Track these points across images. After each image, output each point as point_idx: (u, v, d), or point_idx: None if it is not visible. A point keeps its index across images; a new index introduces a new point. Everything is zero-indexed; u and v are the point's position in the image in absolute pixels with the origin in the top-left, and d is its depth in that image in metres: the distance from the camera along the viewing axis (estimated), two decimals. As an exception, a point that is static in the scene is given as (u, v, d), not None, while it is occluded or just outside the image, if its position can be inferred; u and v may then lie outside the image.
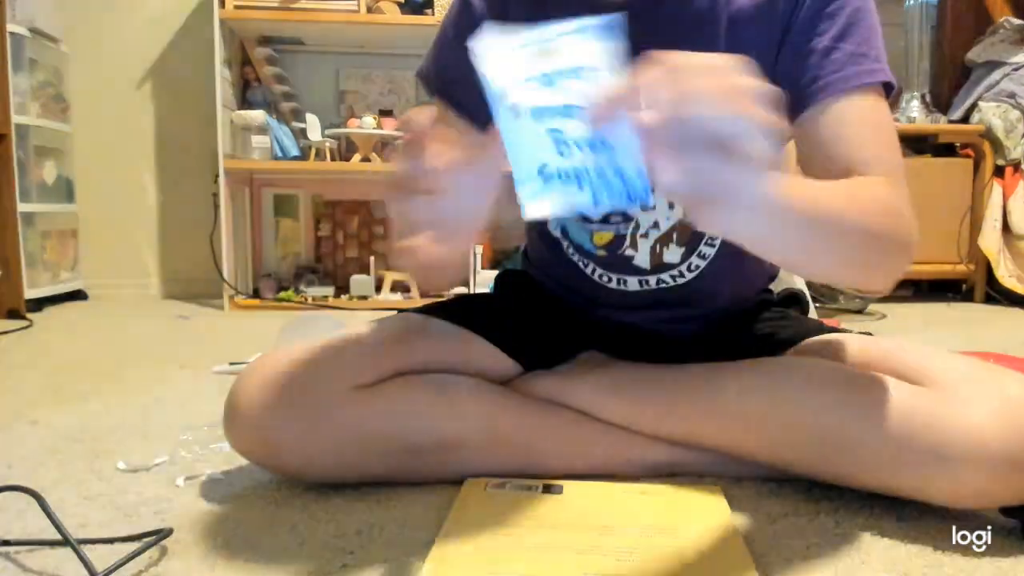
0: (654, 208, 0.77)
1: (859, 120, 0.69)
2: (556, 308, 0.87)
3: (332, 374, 0.71)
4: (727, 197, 0.44)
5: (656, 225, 0.78)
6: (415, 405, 0.72)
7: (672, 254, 0.79)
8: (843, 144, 0.68)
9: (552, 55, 0.45)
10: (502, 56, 0.46)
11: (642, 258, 0.79)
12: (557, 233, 0.84)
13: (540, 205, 0.45)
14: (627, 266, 0.80)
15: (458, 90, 0.76)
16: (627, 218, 0.79)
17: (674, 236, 0.78)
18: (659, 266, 0.79)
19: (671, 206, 0.78)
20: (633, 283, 0.81)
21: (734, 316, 0.85)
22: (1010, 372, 0.64)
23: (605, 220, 0.79)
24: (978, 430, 0.58)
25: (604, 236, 0.80)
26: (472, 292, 2.40)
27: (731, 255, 0.75)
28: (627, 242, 0.79)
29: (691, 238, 0.78)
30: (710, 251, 0.79)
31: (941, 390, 0.62)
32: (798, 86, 0.69)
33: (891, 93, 0.72)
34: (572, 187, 0.45)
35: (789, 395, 0.68)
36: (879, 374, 0.66)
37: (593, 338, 0.85)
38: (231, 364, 1.39)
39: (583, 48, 0.44)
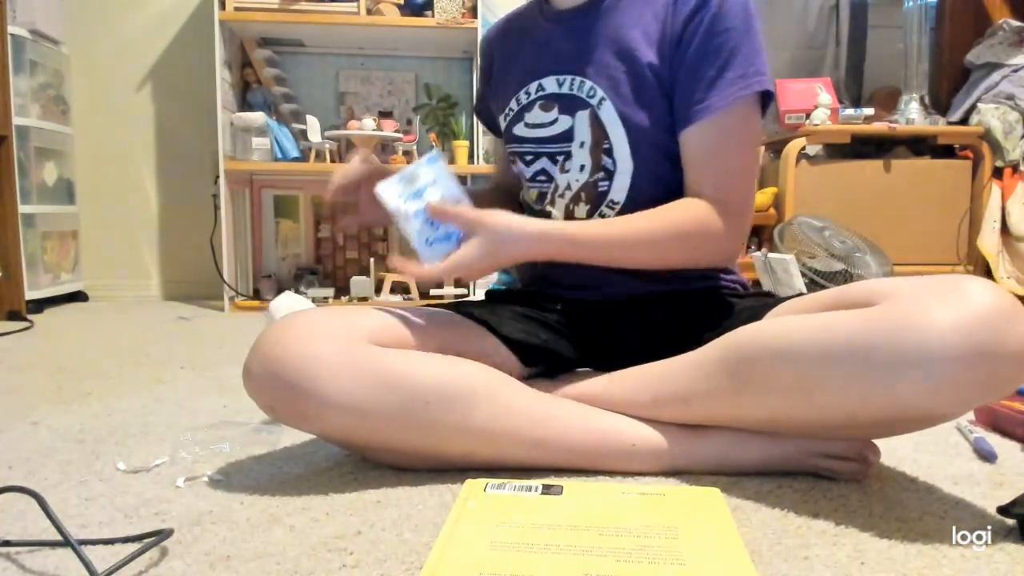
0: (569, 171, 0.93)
1: (708, 148, 0.86)
2: (545, 314, 0.96)
3: (359, 328, 0.76)
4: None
5: (569, 187, 0.93)
6: (428, 358, 0.77)
7: (581, 211, 0.93)
8: (692, 170, 0.87)
9: (415, 180, 0.84)
10: (390, 192, 0.83)
11: (558, 214, 0.94)
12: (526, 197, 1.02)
13: (432, 260, 0.81)
14: (548, 219, 0.95)
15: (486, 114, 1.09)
16: (549, 178, 0.95)
17: (582, 196, 0.92)
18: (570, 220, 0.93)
19: (581, 168, 0.92)
20: None
21: (678, 297, 0.92)
22: (971, 276, 0.64)
23: (533, 179, 0.97)
24: (937, 325, 0.58)
25: (532, 193, 0.98)
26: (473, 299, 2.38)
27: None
28: (548, 199, 0.96)
29: (595, 199, 0.92)
30: (610, 212, 0.91)
31: (900, 302, 0.62)
32: (677, 104, 0.86)
33: (768, 99, 0.87)
34: (449, 244, 0.82)
35: (751, 336, 0.71)
36: (838, 310, 0.67)
37: (582, 341, 0.95)
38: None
39: (425, 172, 0.84)
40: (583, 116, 0.90)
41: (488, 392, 0.76)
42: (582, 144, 0.91)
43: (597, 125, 0.89)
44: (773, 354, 0.68)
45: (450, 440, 0.75)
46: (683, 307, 0.92)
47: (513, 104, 0.97)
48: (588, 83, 0.89)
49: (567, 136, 0.91)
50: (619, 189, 0.90)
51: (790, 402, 0.69)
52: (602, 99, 0.89)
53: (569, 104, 0.91)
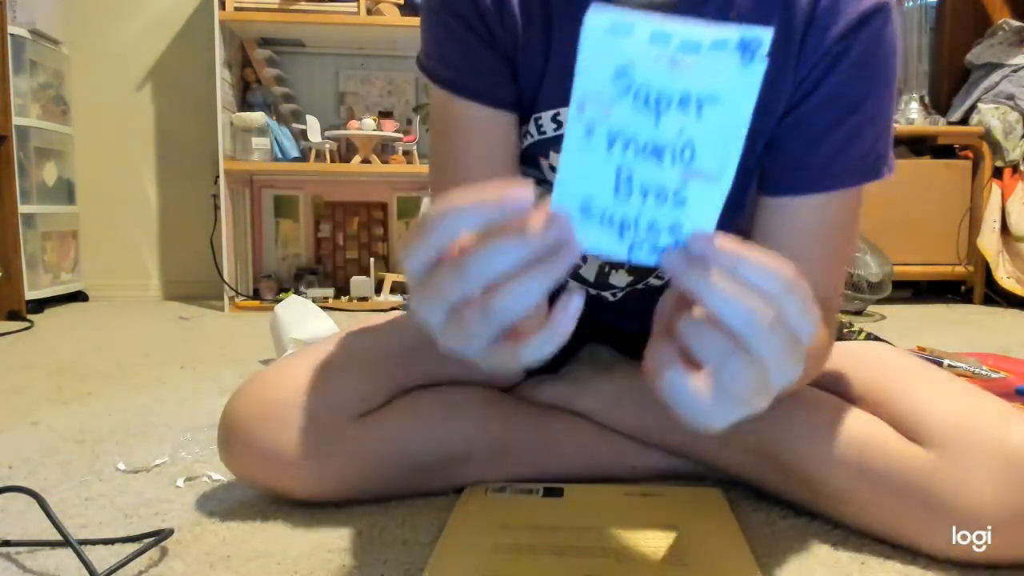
0: None
1: (827, 229, 0.64)
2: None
3: (338, 401, 0.69)
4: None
5: None
6: (422, 426, 0.71)
7: (618, 279, 0.76)
8: (798, 253, 0.58)
9: (674, 71, 0.34)
10: (616, 48, 0.34)
11: (588, 271, 0.76)
12: None
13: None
14: (575, 274, 0.77)
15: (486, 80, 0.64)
16: None
17: (626, 264, 0.74)
18: (603, 284, 0.77)
19: None
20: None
21: None
22: (1012, 412, 0.60)
23: None
24: (977, 494, 0.56)
25: None
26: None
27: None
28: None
29: (643, 271, 0.74)
30: (657, 282, 0.76)
31: (938, 451, 0.59)
32: (778, 158, 0.63)
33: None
34: (611, 235, 0.37)
35: (790, 443, 0.66)
36: (881, 430, 0.63)
37: (589, 334, 0.86)
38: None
39: (711, 71, 0.34)
40: None
41: (485, 452, 0.73)
42: None
43: None
44: (814, 489, 0.66)
45: (446, 489, 0.73)
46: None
47: (532, 129, 0.68)
48: None
49: None
50: None
51: (809, 503, 0.68)
52: None
53: None
